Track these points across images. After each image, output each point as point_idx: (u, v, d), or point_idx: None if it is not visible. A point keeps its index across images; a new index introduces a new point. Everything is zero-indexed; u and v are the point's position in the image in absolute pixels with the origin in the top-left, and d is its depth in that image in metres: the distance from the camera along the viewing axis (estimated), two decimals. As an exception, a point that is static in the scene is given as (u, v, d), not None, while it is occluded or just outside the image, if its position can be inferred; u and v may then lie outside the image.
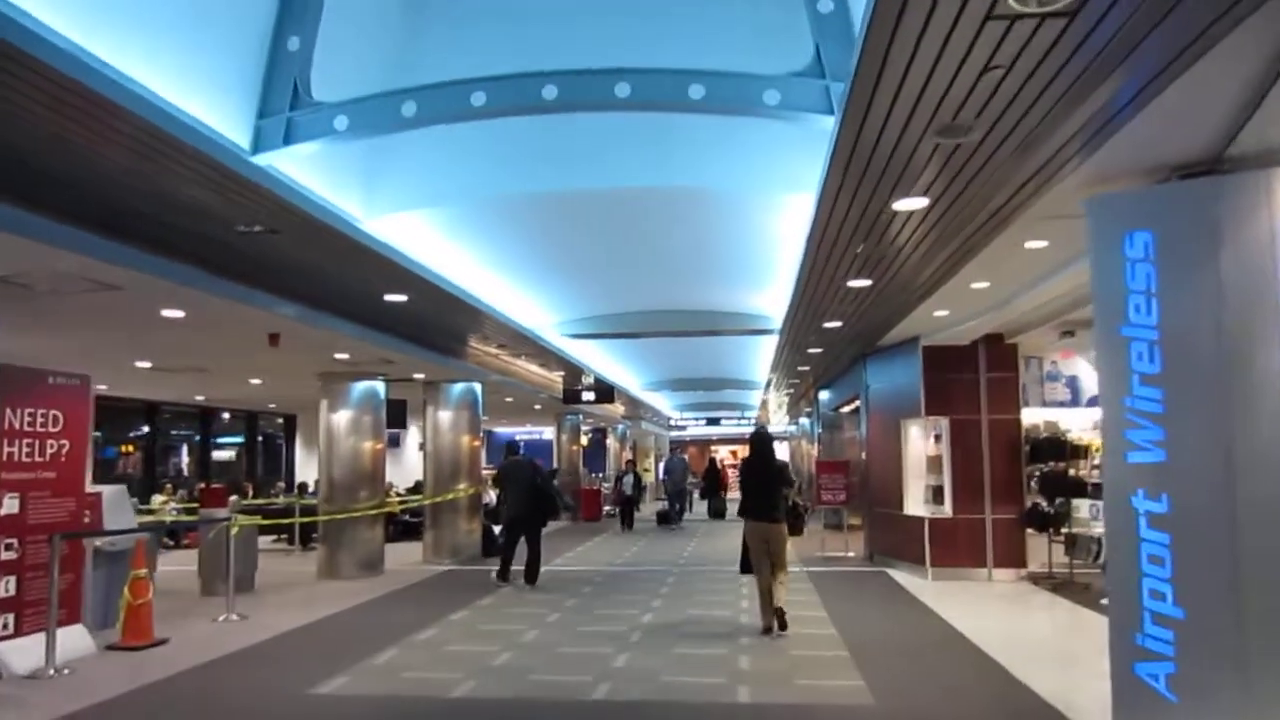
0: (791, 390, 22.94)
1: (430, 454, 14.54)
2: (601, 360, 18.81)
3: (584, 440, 28.21)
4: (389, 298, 9.00)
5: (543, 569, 13.04)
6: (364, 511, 12.28)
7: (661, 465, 32.78)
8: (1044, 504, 11.29)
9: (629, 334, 13.98)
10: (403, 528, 17.11)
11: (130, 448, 18.80)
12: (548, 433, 28.03)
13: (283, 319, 8.62)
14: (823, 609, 9.54)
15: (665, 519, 20.94)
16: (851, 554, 14.51)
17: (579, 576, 12.44)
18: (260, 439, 23.26)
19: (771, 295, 11.97)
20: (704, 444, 45.21)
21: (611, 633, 8.32)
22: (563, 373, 17.76)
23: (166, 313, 7.80)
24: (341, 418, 12.51)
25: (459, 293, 9.43)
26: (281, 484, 19.95)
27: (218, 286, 7.24)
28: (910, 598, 10.36)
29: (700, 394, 29.05)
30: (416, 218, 7.92)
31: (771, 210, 8.67)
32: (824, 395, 21.28)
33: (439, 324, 11.02)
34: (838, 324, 11.23)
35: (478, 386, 14.81)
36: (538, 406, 21.83)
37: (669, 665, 7.04)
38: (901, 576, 12.01)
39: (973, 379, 12.01)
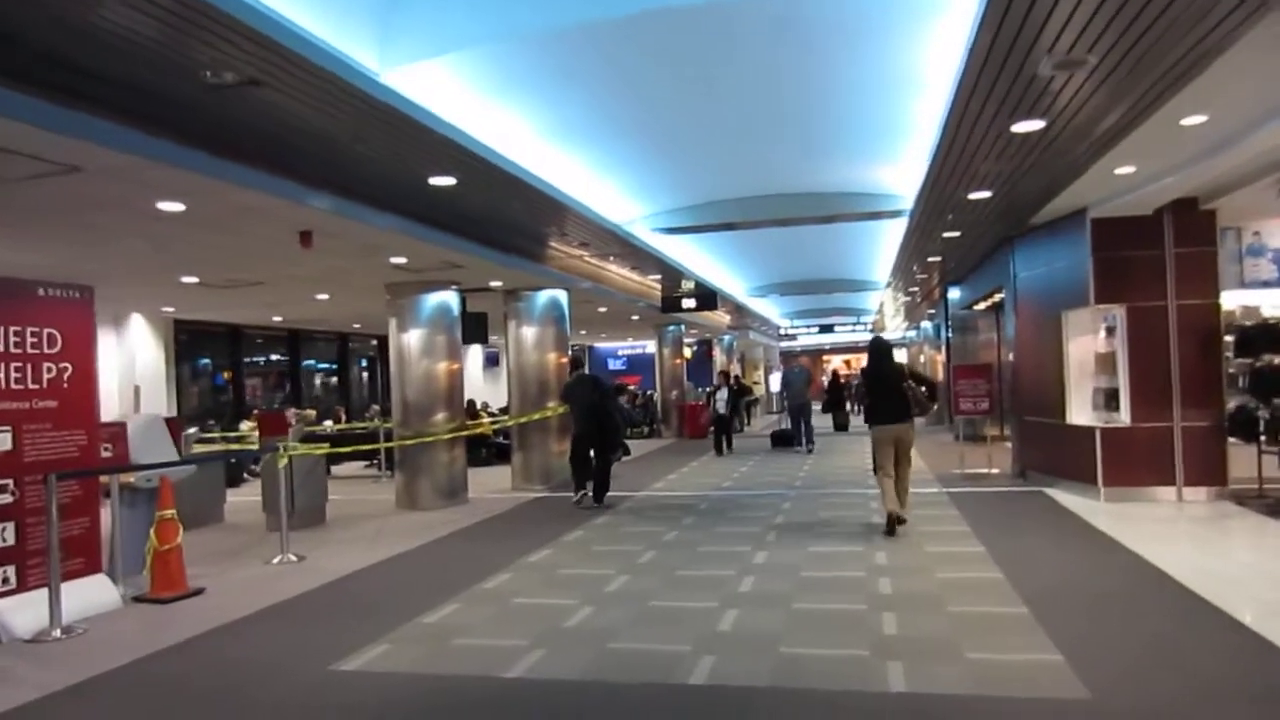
0: (914, 291, 20.63)
1: (514, 371, 13.21)
2: (701, 262, 17.02)
3: (687, 353, 26.64)
4: (434, 181, 7.46)
5: (642, 494, 11.70)
6: (438, 436, 11.07)
7: (776, 377, 30.85)
8: (1256, 406, 9.08)
9: (730, 225, 12.12)
10: (496, 450, 16.05)
11: (228, 374, 18.30)
12: (651, 347, 26.54)
13: (311, 212, 7.21)
14: (978, 542, 7.77)
15: (783, 440, 18.08)
16: (996, 470, 12.58)
17: (680, 503, 10.97)
18: (364, 363, 22.64)
19: (903, 167, 9.89)
20: (816, 354, 43.08)
21: (717, 578, 6.81)
22: (659, 277, 16.07)
23: (163, 205, 6.48)
24: (412, 332, 11.24)
25: (518, 172, 7.82)
26: (375, 408, 19.17)
27: (201, 163, 5.81)
28: (1084, 525, 8.45)
29: (811, 298, 26.87)
30: (447, 68, 6.25)
31: (911, 39, 6.65)
32: (954, 294, 18.97)
33: (502, 217, 9.47)
34: (985, 194, 9.12)
35: (563, 295, 13.30)
36: (635, 317, 20.29)
37: (790, 629, 5.47)
38: (1065, 497, 10.06)
39: (1156, 256, 9.73)
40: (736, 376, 26.51)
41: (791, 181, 11.12)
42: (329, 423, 17.71)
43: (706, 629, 5.43)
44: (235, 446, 11.56)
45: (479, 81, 6.73)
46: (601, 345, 34.46)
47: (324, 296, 12.79)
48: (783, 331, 33.81)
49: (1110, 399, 10.06)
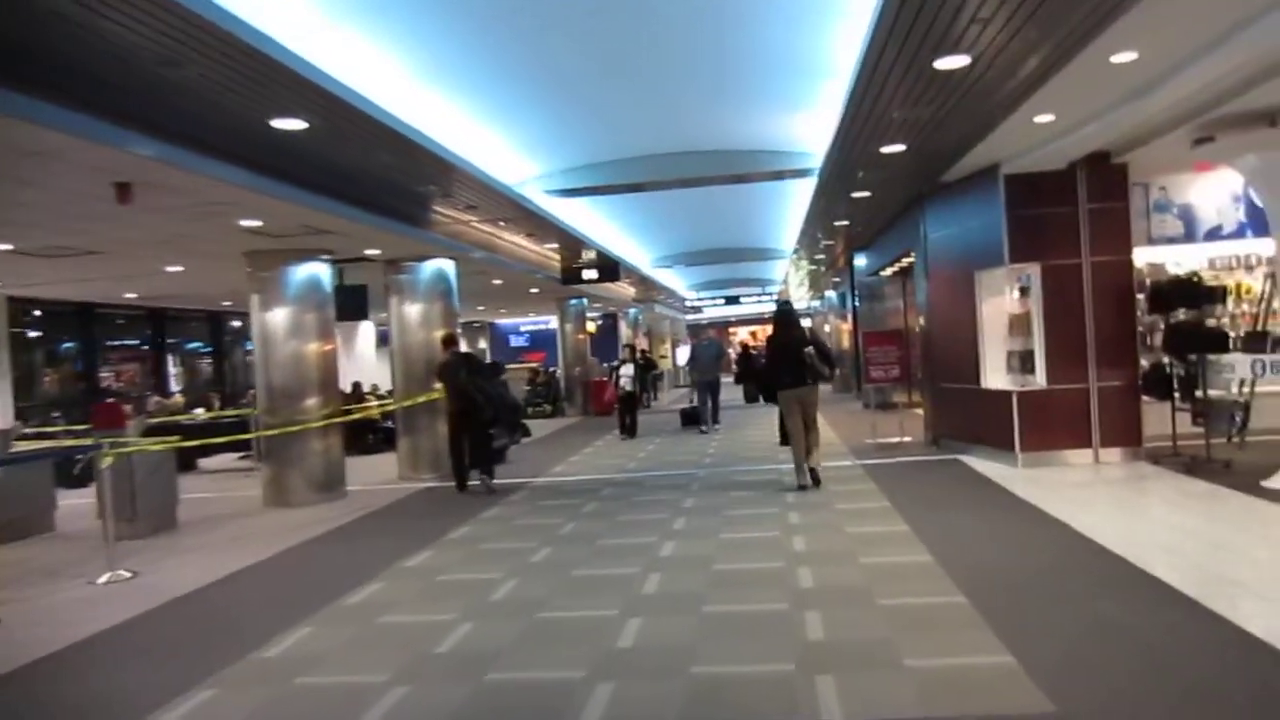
0: (820, 259, 20.24)
1: (398, 350, 12.11)
2: (604, 230, 16.16)
3: (591, 327, 25.82)
4: (279, 124, 6.36)
5: (540, 480, 10.89)
6: (307, 424, 9.93)
7: (684, 350, 30.13)
8: (1171, 364, 8.79)
9: (632, 186, 11.27)
10: (384, 436, 14.90)
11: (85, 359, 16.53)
12: (555, 322, 25.57)
13: (127, 158, 6.03)
14: (902, 520, 7.20)
15: (692, 419, 16.48)
16: (908, 439, 12.18)
17: (580, 489, 10.16)
18: (250, 346, 20.93)
19: (816, 116, 9.19)
20: (723, 325, 42.82)
21: (619, 579, 6.02)
22: (557, 246, 15.14)
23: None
24: (278, 309, 10.04)
25: (385, 118, 6.78)
26: (252, 392, 17.70)
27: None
28: (1007, 495, 8.01)
29: (718, 268, 26.34)
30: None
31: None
32: (860, 261, 18.64)
33: (373, 173, 8.40)
34: (899, 148, 8.51)
35: (450, 266, 12.23)
36: (535, 290, 19.31)
37: (703, 639, 4.72)
38: (982, 464, 9.66)
39: (1070, 213, 9.34)
40: (643, 351, 25.86)
41: (697, 137, 10.33)
42: (200, 410, 16.22)
43: (606, 645, 4.63)
44: (74, 442, 10.16)
45: (332, 5, 5.68)
46: (503, 321, 33.30)
47: (177, 268, 11.40)
48: (688, 303, 33.29)
49: (1025, 362, 9.68)
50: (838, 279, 24.80)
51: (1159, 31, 5.72)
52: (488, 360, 23.26)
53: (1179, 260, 10.24)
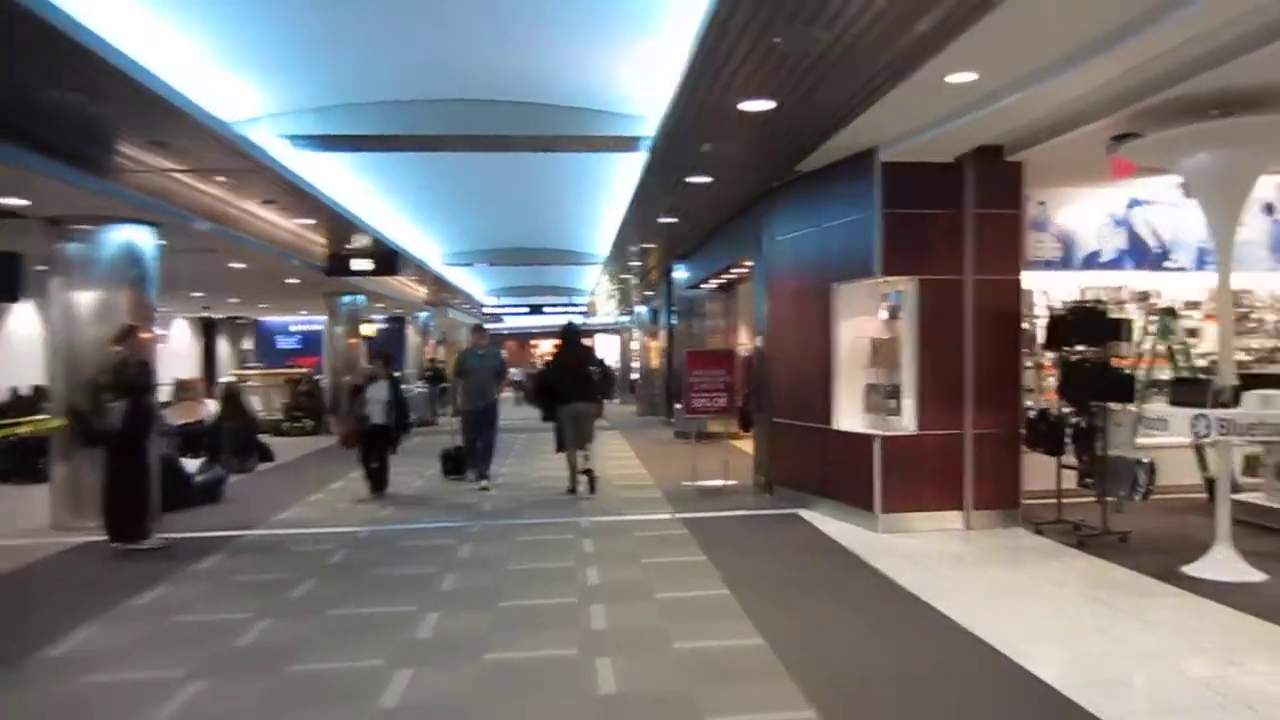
0: (634, 268, 18.16)
1: (59, 350, 8.63)
2: (380, 211, 13.23)
3: (368, 330, 22.50)
4: None
5: (254, 532, 7.96)
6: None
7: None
8: (1062, 411, 7.17)
9: (406, 141, 8.48)
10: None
11: None
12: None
13: None
14: (751, 624, 5.00)
15: (455, 465, 10.98)
16: (734, 481, 10.16)
17: (306, 552, 7.31)
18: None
19: (651, 66, 6.89)
20: (524, 337, 40.22)
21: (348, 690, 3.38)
22: (315, 222, 12.03)
23: None
24: None
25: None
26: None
27: None
28: (880, 579, 6.01)
29: (523, 272, 23.63)
30: None
31: None
32: (681, 274, 16.72)
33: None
34: (767, 105, 6.34)
35: (148, 236, 8.90)
36: (294, 281, 15.92)
37: None
38: (833, 525, 7.72)
39: (953, 218, 7.61)
40: (431, 360, 22.76)
41: (494, 82, 7.75)
42: None
43: None
44: None
45: None
46: (270, 319, 29.05)
47: None
48: (486, 310, 30.43)
49: (889, 398, 7.82)
50: (651, 292, 22.94)
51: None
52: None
53: (1047, 289, 8.84)
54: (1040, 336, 8.56)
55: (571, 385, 9.59)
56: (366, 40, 6.90)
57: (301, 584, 6.10)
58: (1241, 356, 9.15)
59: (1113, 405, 6.70)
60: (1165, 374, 8.25)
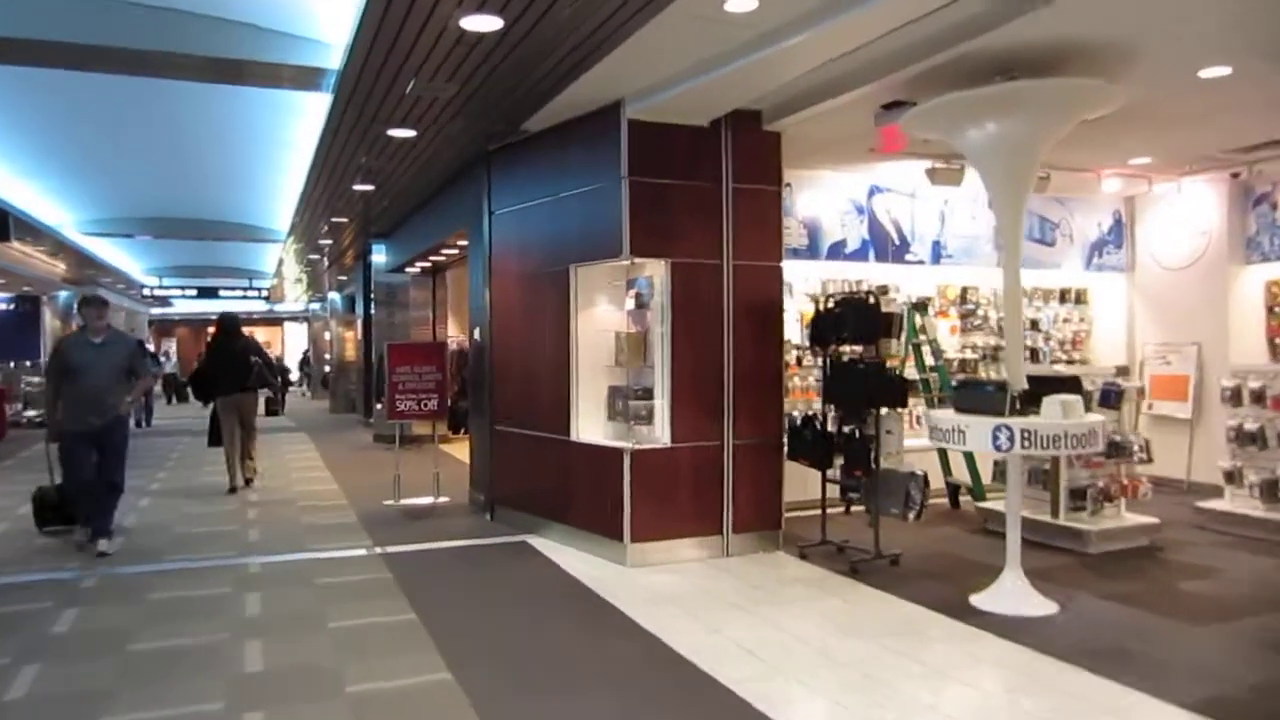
0: (324, 246, 15.72)
1: None
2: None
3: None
4: None
5: None
6: None
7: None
8: (827, 417, 6.31)
9: (21, 48, 5.84)
10: None
11: None
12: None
13: None
14: (475, 716, 3.47)
15: (53, 512, 7.26)
16: (445, 499, 8.55)
17: None
18: None
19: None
20: (200, 324, 35.24)
21: None
22: None
23: None
24: None
25: None
26: None
27: None
28: (642, 637, 4.72)
29: (189, 248, 19.86)
30: None
31: None
32: (381, 257, 14.65)
33: None
34: (491, 24, 4.79)
35: None
36: None
37: None
38: (571, 558, 6.38)
39: (711, 192, 6.49)
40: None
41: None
42: None
43: None
44: None
45: None
46: None
47: None
48: (147, 293, 25.85)
49: (638, 404, 6.57)
50: (345, 277, 20.39)
51: None
52: None
53: (791, 281, 8.08)
54: (796, 332, 7.85)
55: (232, 375, 9.38)
56: None
57: None
58: (968, 355, 9.09)
59: (885, 411, 5.92)
60: (911, 374, 7.80)
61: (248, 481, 9.50)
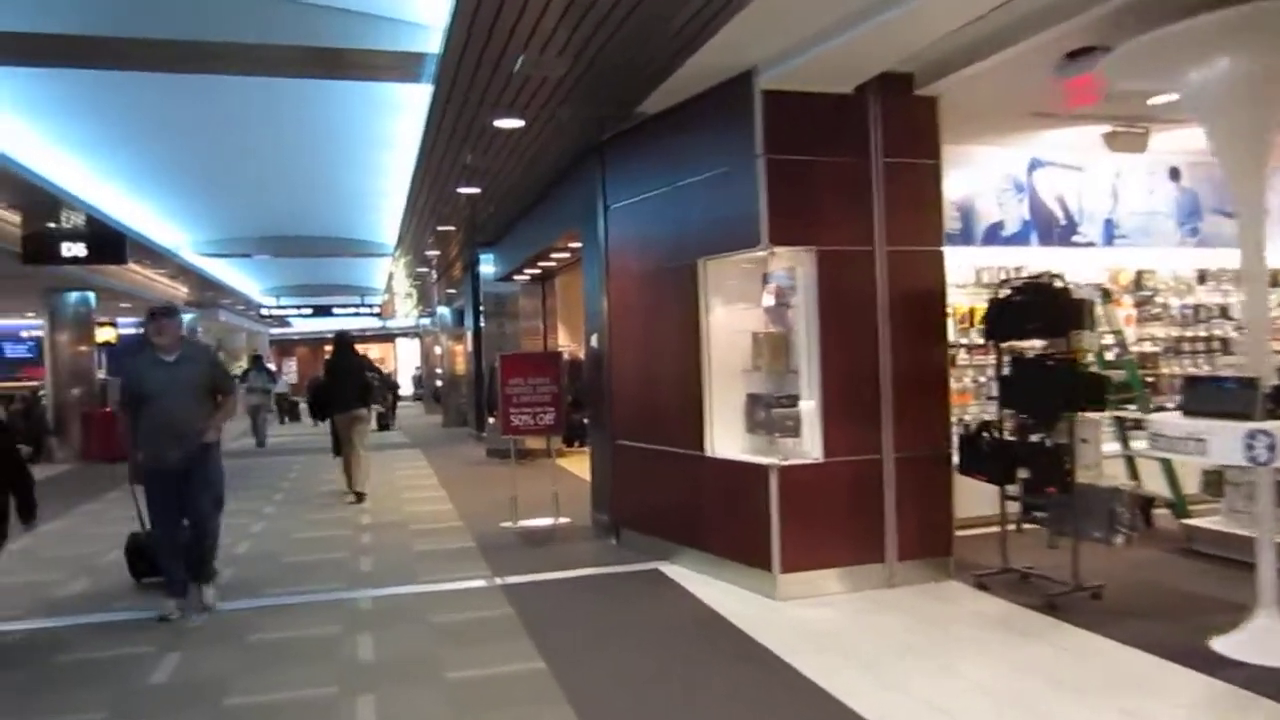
0: (430, 259, 15.48)
1: None
2: (94, 185, 9.99)
3: (107, 336, 18.55)
4: None
5: None
6: None
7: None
8: (1002, 426, 5.39)
9: (100, 51, 5.55)
10: None
11: None
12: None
13: None
14: None
15: (147, 564, 6.10)
16: (565, 520, 7.93)
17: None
18: None
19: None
20: (317, 343, 36.07)
21: None
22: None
23: None
24: None
25: None
26: None
27: None
28: (811, 691, 3.93)
29: (300, 267, 20.17)
30: None
31: None
32: (489, 268, 14.27)
33: None
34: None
35: None
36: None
37: None
38: (712, 589, 5.62)
39: (859, 169, 5.65)
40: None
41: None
42: None
43: None
44: None
45: None
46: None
47: None
48: (265, 312, 26.47)
49: (781, 413, 5.78)
50: (453, 290, 20.24)
51: None
52: None
53: (954, 267, 7.13)
54: (949, 327, 6.90)
55: (349, 393, 9.79)
56: None
57: None
58: (1147, 348, 7.94)
59: (1086, 416, 4.97)
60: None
61: (359, 496, 9.70)
